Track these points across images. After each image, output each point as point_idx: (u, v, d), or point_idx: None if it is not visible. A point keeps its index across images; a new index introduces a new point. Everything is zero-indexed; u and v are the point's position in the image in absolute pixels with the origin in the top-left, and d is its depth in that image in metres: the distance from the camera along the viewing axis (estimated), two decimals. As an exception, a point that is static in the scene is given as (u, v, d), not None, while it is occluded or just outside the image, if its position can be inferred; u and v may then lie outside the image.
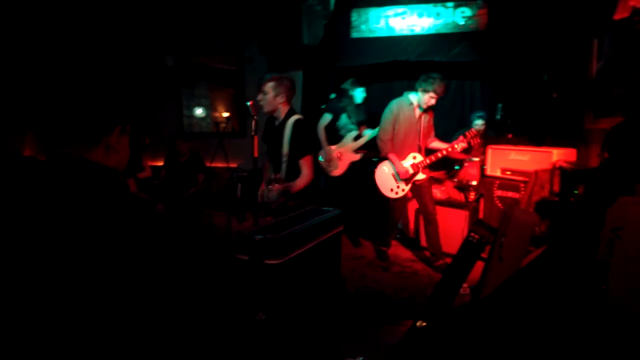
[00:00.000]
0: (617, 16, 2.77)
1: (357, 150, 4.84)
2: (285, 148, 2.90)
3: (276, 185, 2.68)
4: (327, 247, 2.04)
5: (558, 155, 3.63)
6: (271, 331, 1.62)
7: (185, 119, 6.91)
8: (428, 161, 4.01)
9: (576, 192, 2.52)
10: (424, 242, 4.66)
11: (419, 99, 3.96)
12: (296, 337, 1.82)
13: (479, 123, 5.02)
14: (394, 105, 4.08)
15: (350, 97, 4.89)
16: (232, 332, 1.58)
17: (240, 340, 1.59)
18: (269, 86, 2.88)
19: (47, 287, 0.95)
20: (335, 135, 4.87)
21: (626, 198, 1.81)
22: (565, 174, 3.10)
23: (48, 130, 1.07)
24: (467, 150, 4.46)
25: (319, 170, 4.73)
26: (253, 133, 2.85)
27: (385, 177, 4.14)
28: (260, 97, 2.91)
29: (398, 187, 4.09)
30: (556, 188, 3.25)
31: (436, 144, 4.20)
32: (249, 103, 2.82)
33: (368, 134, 4.80)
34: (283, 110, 2.96)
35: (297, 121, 2.92)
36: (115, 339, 0.97)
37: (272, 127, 3.07)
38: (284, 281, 1.69)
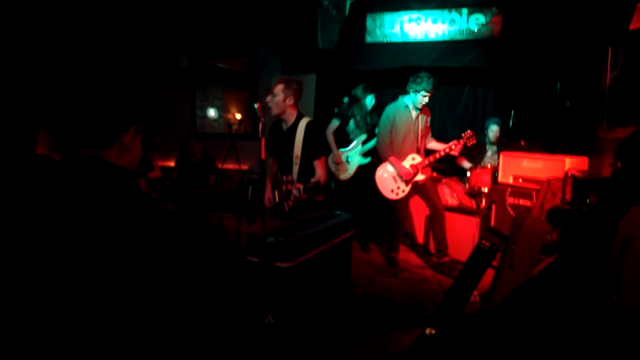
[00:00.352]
0: (633, 26, 2.75)
1: (365, 155, 4.85)
2: (298, 150, 2.93)
3: (298, 183, 2.71)
4: (338, 251, 2.05)
5: (570, 164, 3.61)
6: (279, 335, 1.62)
7: (198, 119, 6.98)
8: (427, 162, 4.09)
9: (588, 201, 2.50)
10: (433, 248, 4.66)
11: (413, 100, 4.06)
12: (304, 341, 1.83)
13: (494, 129, 5.02)
14: (390, 110, 4.19)
15: (361, 103, 4.90)
16: (240, 335, 1.59)
17: (248, 343, 1.60)
18: (279, 88, 2.91)
19: (58, 286, 0.96)
20: (345, 139, 4.91)
21: (638, 208, 1.80)
22: (577, 182, 3.08)
23: (64, 129, 1.08)
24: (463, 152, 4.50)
25: (330, 174, 4.75)
26: (260, 135, 2.89)
27: (386, 179, 4.20)
28: (269, 98, 2.94)
29: (398, 187, 4.15)
30: (568, 197, 3.23)
31: (434, 144, 4.30)
32: (256, 105, 2.86)
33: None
34: (291, 113, 2.99)
35: (309, 123, 2.96)
36: (121, 338, 0.98)
37: (279, 130, 3.09)
38: (294, 285, 1.69)
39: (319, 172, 2.93)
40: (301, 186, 2.69)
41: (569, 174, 3.31)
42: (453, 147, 4.03)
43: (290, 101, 2.95)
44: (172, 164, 5.80)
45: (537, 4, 4.76)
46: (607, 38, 3.75)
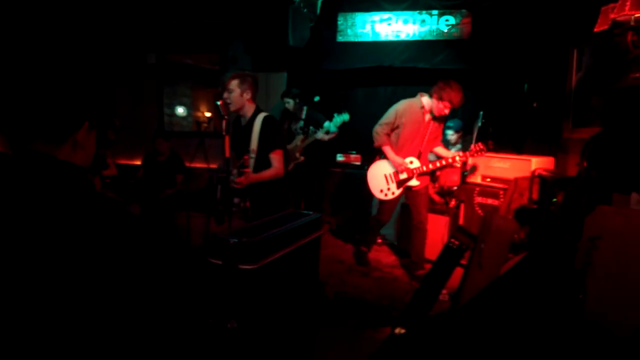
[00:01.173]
0: (597, 28, 2.81)
1: (299, 154, 5.03)
2: (254, 144, 2.94)
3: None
4: (306, 251, 1.99)
5: (537, 164, 3.66)
6: (244, 340, 1.55)
7: (166, 117, 6.80)
8: (424, 169, 3.92)
9: (555, 200, 2.54)
10: (405, 247, 4.67)
11: (432, 105, 3.82)
12: (270, 346, 1.77)
13: (448, 133, 4.92)
14: (403, 104, 3.93)
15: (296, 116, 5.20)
16: (202, 341, 1.52)
17: (211, 349, 1.52)
18: (234, 83, 2.91)
19: (8, 287, 0.91)
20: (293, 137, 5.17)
21: (604, 207, 1.82)
22: (544, 182, 3.13)
23: (15, 126, 1.03)
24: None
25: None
26: (224, 133, 2.83)
27: (378, 177, 4.03)
28: (226, 95, 2.92)
29: (388, 189, 3.98)
30: (535, 196, 3.28)
31: (440, 149, 4.08)
32: (218, 102, 2.80)
33: (302, 138, 5.08)
34: (249, 108, 3.00)
35: (266, 117, 2.97)
36: (66, 337, 0.94)
37: (238, 126, 3.11)
38: (259, 287, 1.62)
39: (275, 164, 2.92)
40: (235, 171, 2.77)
41: (536, 174, 3.36)
42: (457, 158, 3.85)
43: (247, 95, 2.95)
44: (138, 162, 5.62)
45: (505, 6, 4.85)
46: (572, 40, 3.84)
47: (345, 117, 4.84)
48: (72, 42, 5.70)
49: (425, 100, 3.86)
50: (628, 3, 2.44)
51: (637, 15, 2.43)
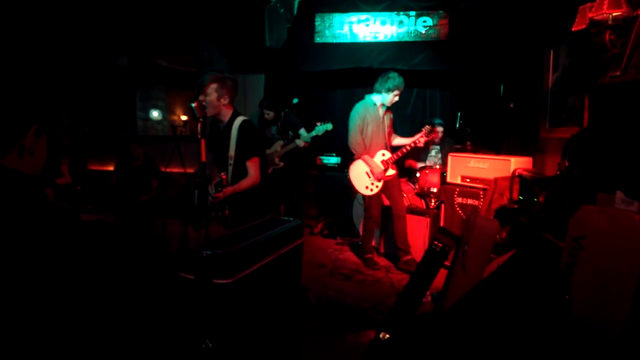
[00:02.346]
0: (575, 27, 2.82)
1: (279, 159, 5.02)
2: (232, 150, 2.85)
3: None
4: (286, 261, 1.86)
5: (516, 164, 3.67)
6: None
7: (139, 121, 6.61)
8: (395, 157, 4.16)
9: (536, 199, 2.52)
10: (383, 249, 4.64)
11: (384, 98, 4.11)
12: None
13: (439, 130, 5.10)
14: (361, 108, 4.19)
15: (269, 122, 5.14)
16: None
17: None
18: (212, 88, 2.79)
19: None
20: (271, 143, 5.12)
21: (588, 207, 1.80)
22: (524, 181, 3.12)
23: None
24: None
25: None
26: (199, 136, 2.72)
27: (360, 175, 4.24)
28: (202, 97, 2.80)
29: (372, 183, 4.19)
30: (515, 196, 3.28)
31: (398, 140, 4.37)
32: (193, 104, 2.68)
33: (281, 144, 5.05)
34: (226, 112, 2.90)
35: (243, 122, 2.87)
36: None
37: (216, 130, 3.00)
38: (235, 303, 1.49)
39: (251, 172, 2.82)
40: (212, 187, 2.71)
41: (516, 173, 3.36)
42: (419, 140, 4.16)
43: (225, 100, 2.85)
44: (111, 167, 5.43)
45: (482, 7, 4.87)
46: (548, 41, 3.87)
47: (328, 126, 4.81)
48: (33, 42, 5.48)
49: (376, 97, 4.16)
50: (606, 2, 2.45)
51: (614, 14, 2.44)
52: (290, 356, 2.10)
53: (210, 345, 1.35)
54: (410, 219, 4.33)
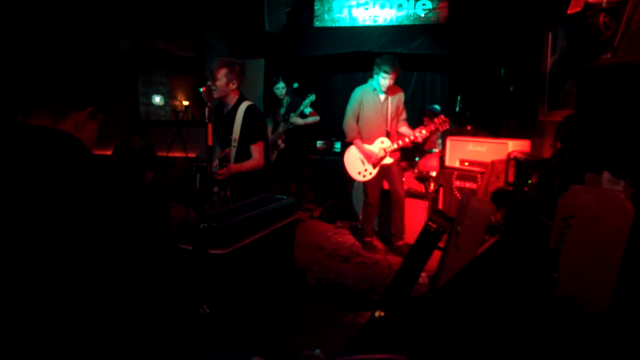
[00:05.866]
0: (571, 10, 2.82)
1: (281, 141, 5.09)
2: (236, 133, 2.91)
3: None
4: (280, 236, 1.97)
5: (513, 147, 3.70)
6: (216, 325, 1.53)
7: (142, 106, 6.65)
8: (396, 145, 4.09)
9: (530, 181, 2.56)
10: (381, 232, 4.70)
11: (376, 82, 4.04)
12: (245, 330, 1.75)
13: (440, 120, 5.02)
14: (357, 92, 4.18)
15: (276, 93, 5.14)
16: (174, 327, 1.50)
17: (183, 335, 1.50)
18: (222, 73, 2.88)
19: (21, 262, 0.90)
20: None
21: (576, 187, 1.84)
22: (519, 164, 3.16)
23: (24, 92, 1.04)
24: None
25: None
26: (207, 120, 2.78)
27: (353, 160, 4.24)
28: (211, 82, 2.89)
29: (366, 170, 4.18)
30: (511, 178, 3.31)
31: (404, 129, 4.23)
32: (201, 89, 2.75)
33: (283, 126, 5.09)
34: (233, 96, 2.97)
35: (249, 107, 2.93)
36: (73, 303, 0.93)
37: (220, 114, 3.07)
38: (230, 272, 1.60)
39: (255, 156, 2.90)
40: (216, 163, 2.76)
41: (512, 156, 3.39)
42: (417, 134, 4.00)
43: (233, 85, 2.94)
44: (110, 152, 5.48)
45: (481, -10, 4.84)
46: (546, 23, 3.86)
47: (312, 97, 4.91)
48: (35, 30, 5.50)
49: (374, 82, 4.08)
50: (600, -16, 2.45)
51: (608, -4, 2.45)
52: (283, 331, 2.18)
53: (208, 311, 1.46)
54: (409, 203, 4.37)
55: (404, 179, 4.56)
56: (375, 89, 4.11)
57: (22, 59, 1.06)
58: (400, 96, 4.20)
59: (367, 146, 4.15)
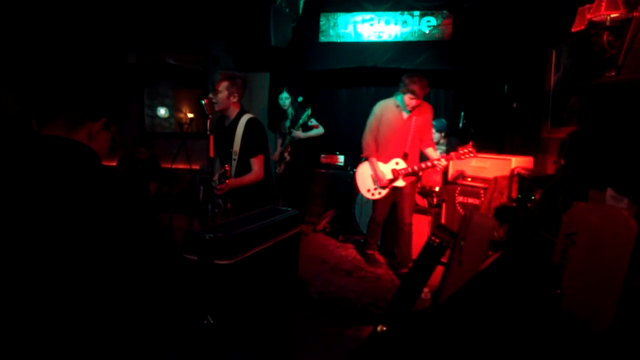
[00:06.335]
0: (575, 28, 2.86)
1: (287, 154, 5.12)
2: (237, 146, 2.92)
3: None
4: (284, 248, 1.97)
5: (516, 163, 3.71)
6: (220, 336, 1.53)
7: (147, 118, 6.70)
8: (410, 170, 3.82)
9: (533, 197, 2.57)
10: (389, 247, 4.68)
11: (401, 100, 3.81)
12: (248, 341, 1.74)
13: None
14: (379, 105, 3.97)
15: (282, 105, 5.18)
16: (178, 337, 1.50)
17: (187, 345, 1.50)
18: (223, 86, 2.90)
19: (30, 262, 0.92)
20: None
21: (580, 203, 1.84)
22: (522, 180, 3.17)
23: (39, 102, 1.07)
24: None
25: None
26: (208, 132, 2.81)
27: (365, 177, 4.05)
28: (212, 95, 2.91)
29: (375, 189, 3.97)
30: (514, 194, 3.32)
31: (430, 151, 3.92)
32: (203, 102, 2.79)
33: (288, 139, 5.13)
34: (234, 109, 2.99)
35: (250, 120, 2.95)
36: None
37: (221, 126, 3.08)
38: (235, 283, 1.60)
39: (255, 169, 2.90)
40: (216, 179, 2.78)
41: (515, 172, 3.40)
42: (437, 162, 3.70)
43: (234, 98, 2.95)
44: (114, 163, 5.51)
45: (485, 8, 4.91)
46: (550, 41, 3.90)
47: (308, 111, 4.97)
48: (45, 39, 5.59)
49: (399, 98, 3.84)
50: (604, 3, 2.48)
51: (612, 15, 2.48)
52: (287, 344, 2.18)
53: (212, 321, 1.46)
54: (413, 218, 4.36)
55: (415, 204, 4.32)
56: (399, 106, 3.85)
57: (38, 69, 1.09)
58: (428, 116, 3.92)
59: (380, 165, 3.92)
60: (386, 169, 3.92)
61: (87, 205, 0.96)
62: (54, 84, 1.07)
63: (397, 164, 3.89)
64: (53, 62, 1.10)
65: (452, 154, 3.64)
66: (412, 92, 3.66)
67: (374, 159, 3.94)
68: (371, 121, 3.95)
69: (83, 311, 0.95)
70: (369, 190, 4.02)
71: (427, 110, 3.92)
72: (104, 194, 1.00)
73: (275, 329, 2.03)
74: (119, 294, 1.01)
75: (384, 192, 3.96)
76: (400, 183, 3.89)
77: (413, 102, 3.73)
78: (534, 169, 3.78)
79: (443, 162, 3.69)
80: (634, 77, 2.23)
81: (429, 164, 3.77)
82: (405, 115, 3.85)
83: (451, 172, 4.38)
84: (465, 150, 3.59)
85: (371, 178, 4.00)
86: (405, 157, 3.88)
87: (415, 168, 3.82)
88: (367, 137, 3.95)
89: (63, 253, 0.92)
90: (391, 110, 3.88)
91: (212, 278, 1.54)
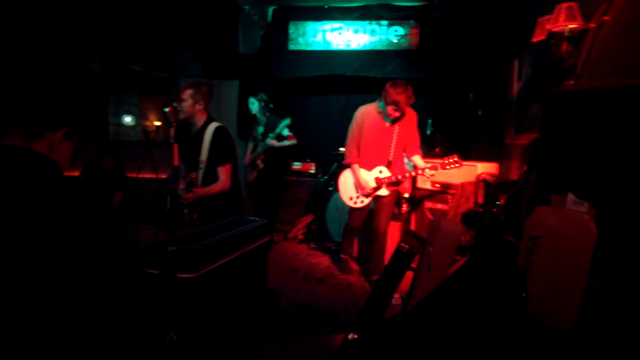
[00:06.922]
0: (535, 39, 2.95)
1: (261, 161, 4.98)
2: (204, 155, 2.88)
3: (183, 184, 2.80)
4: (252, 258, 1.93)
5: (482, 169, 3.79)
6: (184, 353, 1.47)
7: (111, 126, 6.52)
8: (394, 179, 3.71)
9: (498, 203, 2.62)
10: (357, 253, 4.68)
11: (384, 110, 3.62)
12: (216, 355, 1.69)
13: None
14: (360, 110, 3.80)
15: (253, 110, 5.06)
16: (140, 355, 1.43)
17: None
18: (187, 94, 2.86)
19: None
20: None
21: (543, 208, 1.89)
22: (488, 186, 3.24)
23: None
24: None
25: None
26: (172, 140, 2.75)
27: (347, 185, 3.92)
28: (177, 103, 2.86)
29: (358, 197, 3.85)
30: (480, 200, 3.38)
31: (417, 159, 3.78)
32: (166, 109, 2.72)
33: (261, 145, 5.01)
34: (200, 117, 2.94)
35: (217, 128, 2.91)
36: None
37: (187, 133, 3.02)
38: (199, 297, 1.54)
39: (222, 178, 2.85)
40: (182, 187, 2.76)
41: (480, 178, 3.47)
42: (420, 172, 3.62)
43: (200, 106, 2.91)
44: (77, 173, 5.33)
45: (451, 18, 5.03)
46: (513, 51, 4.02)
47: (287, 121, 4.83)
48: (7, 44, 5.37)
49: (382, 105, 3.67)
50: (562, 14, 2.58)
51: (570, 26, 2.58)
52: (255, 356, 2.14)
53: (175, 337, 1.40)
54: (382, 224, 4.39)
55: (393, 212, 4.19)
56: (381, 112, 3.69)
57: None
58: (412, 122, 3.77)
59: (363, 173, 3.80)
60: (369, 177, 3.80)
61: (40, 214, 0.96)
62: (13, 94, 1.07)
63: (380, 172, 3.78)
64: (12, 70, 1.09)
65: (438, 164, 3.56)
66: (395, 104, 3.50)
67: (356, 166, 3.80)
68: (352, 127, 3.79)
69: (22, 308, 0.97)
70: (351, 199, 3.89)
71: (412, 117, 3.78)
72: (59, 203, 0.98)
73: (244, 340, 1.99)
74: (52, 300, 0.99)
75: (366, 200, 3.85)
76: (383, 192, 3.79)
77: (396, 114, 3.58)
78: (499, 175, 3.87)
79: (428, 172, 3.58)
80: (591, 86, 2.32)
81: (412, 173, 3.70)
82: (388, 123, 3.71)
83: (420, 178, 4.43)
84: (451, 160, 3.53)
85: (354, 186, 3.88)
86: (389, 165, 3.78)
87: (400, 177, 3.71)
88: (349, 144, 3.81)
89: (11, 256, 0.92)
90: (373, 117, 3.72)
91: (175, 292, 1.47)
